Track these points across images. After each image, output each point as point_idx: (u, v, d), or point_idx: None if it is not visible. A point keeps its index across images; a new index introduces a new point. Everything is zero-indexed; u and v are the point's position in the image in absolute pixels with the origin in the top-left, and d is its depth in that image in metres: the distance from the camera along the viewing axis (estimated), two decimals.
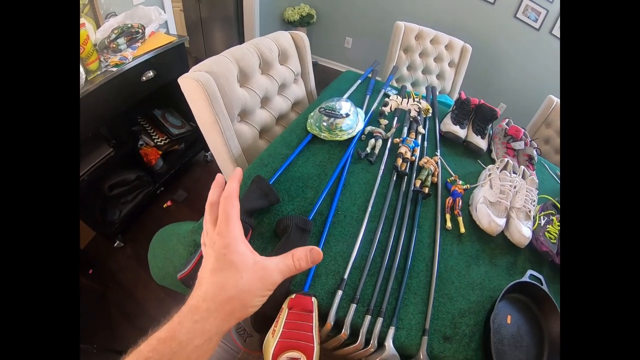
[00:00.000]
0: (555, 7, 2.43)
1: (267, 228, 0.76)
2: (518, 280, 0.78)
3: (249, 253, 0.36)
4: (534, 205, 0.97)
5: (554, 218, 0.99)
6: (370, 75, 1.45)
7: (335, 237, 0.77)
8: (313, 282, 0.69)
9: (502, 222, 0.88)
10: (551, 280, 0.89)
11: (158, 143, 1.89)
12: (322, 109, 1.05)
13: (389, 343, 0.63)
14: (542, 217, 1.01)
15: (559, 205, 1.03)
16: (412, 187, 0.94)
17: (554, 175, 1.37)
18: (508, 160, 1.03)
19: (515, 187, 0.96)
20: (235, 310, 0.33)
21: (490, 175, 0.98)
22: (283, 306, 0.58)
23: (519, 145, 1.15)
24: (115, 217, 1.70)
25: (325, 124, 1.03)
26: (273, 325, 0.55)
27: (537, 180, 1.11)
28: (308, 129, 1.06)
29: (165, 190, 2.01)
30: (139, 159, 1.85)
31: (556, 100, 1.81)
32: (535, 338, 0.76)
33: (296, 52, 1.32)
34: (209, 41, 3.18)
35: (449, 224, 0.88)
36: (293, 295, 0.59)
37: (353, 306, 0.65)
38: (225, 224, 0.36)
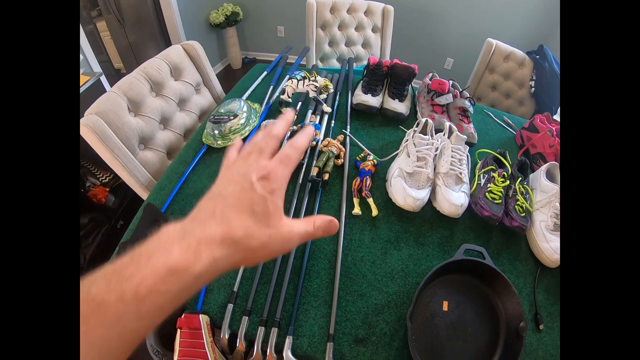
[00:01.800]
0: None
1: None
2: (449, 260, 0.67)
3: (282, 209, 0.31)
4: (465, 166, 0.85)
5: (495, 174, 0.87)
6: (279, 63, 1.35)
7: None
8: (206, 297, 0.65)
9: (422, 194, 0.75)
10: (502, 248, 0.78)
11: (103, 181, 1.87)
12: (211, 117, 0.99)
13: (286, 354, 0.58)
14: (481, 176, 0.90)
15: (503, 159, 0.91)
16: (309, 177, 0.82)
17: (502, 123, 1.26)
18: (426, 120, 0.90)
19: (437, 149, 0.84)
20: (247, 260, 0.29)
21: (407, 141, 0.87)
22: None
23: (444, 99, 1.03)
24: (82, 263, 1.69)
25: (216, 131, 0.96)
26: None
27: (470, 134, 1.00)
28: (203, 140, 0.99)
29: (125, 222, 1.94)
30: (89, 201, 1.82)
31: (495, 42, 1.70)
32: (487, 321, 0.66)
33: (191, 63, 1.27)
34: (142, 61, 3.08)
35: (356, 209, 0.76)
36: (182, 315, 0.60)
37: (245, 318, 0.61)
38: (283, 167, 0.30)
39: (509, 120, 1.27)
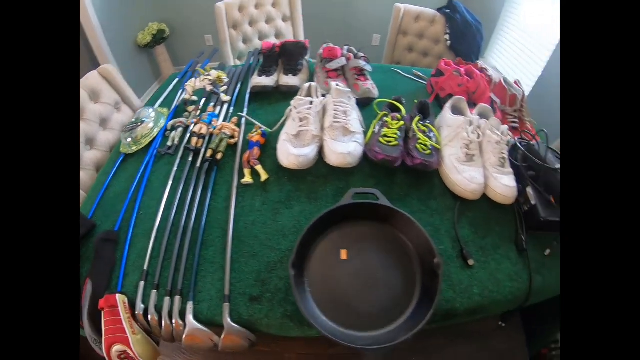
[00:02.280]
0: None
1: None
2: (336, 206, 0.68)
3: None
4: (355, 118, 0.89)
5: (388, 119, 0.90)
6: (190, 68, 1.39)
7: (138, 236, 0.75)
8: (124, 281, 0.69)
9: (305, 151, 0.79)
10: (411, 189, 0.82)
11: None
12: (124, 127, 1.04)
13: (188, 319, 0.61)
14: (376, 125, 0.93)
15: (396, 103, 0.95)
16: (201, 159, 0.86)
17: (410, 77, 1.31)
18: (310, 85, 0.94)
19: (320, 107, 0.87)
20: None
21: (290, 109, 0.90)
22: None
23: (335, 64, 1.07)
24: None
25: (129, 139, 1.00)
26: None
27: (367, 90, 1.04)
28: (120, 150, 1.03)
29: None
30: None
31: (402, 6, 1.76)
32: (397, 263, 0.66)
33: (108, 85, 1.32)
34: None
35: (247, 178, 0.80)
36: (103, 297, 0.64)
37: (153, 292, 0.65)
38: None
39: (419, 73, 1.32)
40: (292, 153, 0.77)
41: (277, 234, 0.71)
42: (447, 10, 1.79)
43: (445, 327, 0.73)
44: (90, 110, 1.22)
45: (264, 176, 0.80)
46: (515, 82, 1.23)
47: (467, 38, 1.75)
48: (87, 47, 2.64)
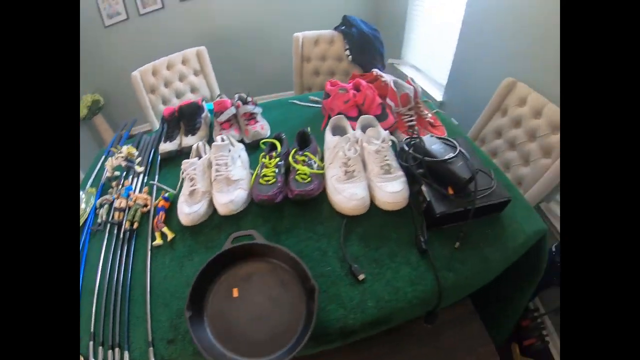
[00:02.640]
0: None
1: None
2: (218, 253, 0.75)
3: None
4: (232, 168, 0.96)
5: (265, 159, 0.97)
6: (114, 143, 1.47)
7: (84, 303, 0.82)
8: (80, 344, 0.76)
9: (195, 208, 0.88)
10: (298, 219, 0.90)
11: None
12: None
13: None
14: (259, 167, 1.00)
15: (274, 140, 1.03)
16: (122, 231, 0.95)
17: (306, 104, 1.41)
18: (197, 145, 1.05)
19: (200, 167, 0.97)
20: None
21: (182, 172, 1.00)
22: None
23: (225, 115, 1.17)
24: None
25: None
26: None
27: (255, 132, 1.14)
28: None
29: None
30: None
31: (300, 35, 1.90)
32: (284, 290, 0.74)
33: None
34: None
35: (157, 240, 0.89)
36: None
37: (100, 348, 0.74)
38: None
39: (315, 98, 1.44)
40: (184, 212, 0.87)
41: (183, 284, 0.80)
42: (343, 27, 1.94)
43: (386, 334, 0.80)
44: None
45: (170, 235, 0.89)
46: (407, 81, 1.34)
47: (366, 49, 1.89)
48: None
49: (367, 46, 1.91)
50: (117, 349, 0.74)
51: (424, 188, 0.88)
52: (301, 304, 0.71)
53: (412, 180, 0.93)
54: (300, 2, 2.75)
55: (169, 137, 1.19)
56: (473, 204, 0.84)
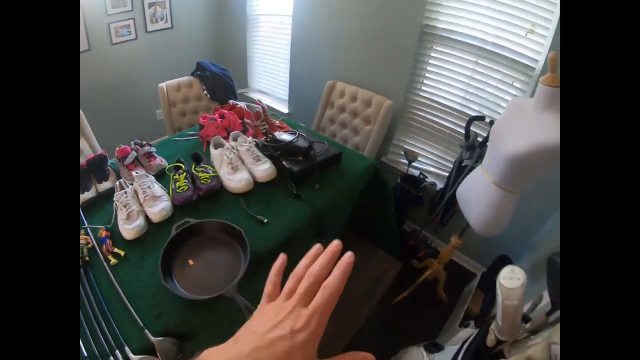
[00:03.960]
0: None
1: None
2: (167, 242, 1.13)
3: (316, 356, 0.34)
4: (153, 188, 1.34)
5: (176, 176, 1.38)
6: None
7: None
8: None
9: (135, 223, 1.21)
10: (213, 210, 1.29)
11: None
12: None
13: (131, 357, 0.88)
14: (171, 183, 1.42)
15: (178, 163, 1.46)
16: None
17: (186, 138, 1.84)
18: (119, 181, 1.40)
19: (130, 193, 1.34)
20: None
21: (115, 204, 1.34)
22: None
23: (129, 159, 1.53)
24: None
25: None
26: None
27: (156, 165, 1.52)
28: None
29: None
30: None
31: (163, 84, 2.31)
32: (224, 247, 1.12)
33: None
34: None
35: (113, 261, 1.15)
36: None
37: None
38: (322, 316, 0.34)
39: (191, 132, 1.87)
40: (127, 229, 1.20)
41: (148, 279, 1.08)
42: (198, 72, 2.40)
43: None
44: None
45: (122, 253, 1.20)
46: (257, 102, 1.88)
47: (220, 86, 2.39)
48: None
49: (220, 83, 2.39)
50: (116, 352, 0.87)
51: (284, 162, 1.41)
52: (237, 248, 1.12)
53: (275, 161, 1.46)
54: (159, 56, 3.05)
55: (85, 189, 1.47)
56: (315, 160, 1.40)
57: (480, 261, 2.43)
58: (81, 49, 2.42)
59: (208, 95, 2.36)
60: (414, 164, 2.27)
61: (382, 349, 1.63)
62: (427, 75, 2.18)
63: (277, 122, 1.87)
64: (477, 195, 1.57)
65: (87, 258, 1.22)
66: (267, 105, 1.90)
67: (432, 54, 2.11)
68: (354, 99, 2.22)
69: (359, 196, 1.61)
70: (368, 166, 1.60)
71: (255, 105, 1.87)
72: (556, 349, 0.72)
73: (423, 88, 2.22)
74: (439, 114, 2.21)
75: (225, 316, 1.05)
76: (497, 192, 1.44)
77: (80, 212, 1.36)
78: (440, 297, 2.31)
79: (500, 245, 2.08)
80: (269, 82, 3.17)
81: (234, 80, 2.50)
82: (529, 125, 1.29)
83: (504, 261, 1.95)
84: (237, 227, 1.12)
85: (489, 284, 2.02)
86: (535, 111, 1.28)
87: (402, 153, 2.27)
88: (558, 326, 0.77)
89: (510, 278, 0.92)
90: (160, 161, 1.55)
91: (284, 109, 2.97)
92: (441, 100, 2.18)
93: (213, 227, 1.18)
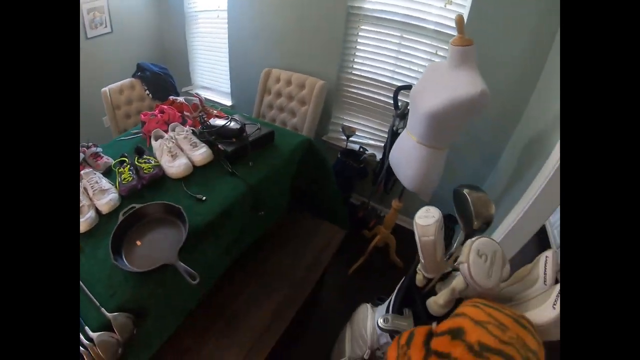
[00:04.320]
0: None
1: None
2: (114, 228, 1.31)
3: None
4: (101, 183, 1.51)
5: (120, 169, 1.55)
6: None
7: None
8: None
9: (86, 216, 1.39)
10: (159, 195, 1.44)
11: None
12: None
13: (91, 335, 1.10)
14: (118, 177, 1.57)
15: (122, 158, 1.60)
16: None
17: (129, 137, 1.97)
18: None
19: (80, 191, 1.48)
20: None
21: None
22: None
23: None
24: None
25: None
26: None
27: (103, 163, 1.67)
28: None
29: None
30: None
31: (107, 89, 2.40)
32: (166, 223, 1.28)
33: None
34: None
35: None
36: None
37: None
38: None
39: (135, 130, 1.99)
40: (80, 222, 1.35)
41: (101, 264, 1.18)
42: (139, 73, 2.50)
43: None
44: None
45: None
46: (195, 95, 2.02)
47: (161, 84, 2.49)
48: None
49: (161, 82, 2.49)
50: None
51: (219, 145, 1.57)
52: (179, 224, 1.27)
53: (211, 145, 1.61)
54: (101, 61, 3.06)
55: None
56: (247, 140, 1.57)
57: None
58: None
59: (150, 94, 2.46)
60: (352, 138, 2.46)
61: (341, 314, 1.80)
62: (357, 54, 2.37)
63: (215, 112, 2.01)
64: (407, 157, 1.76)
65: None
66: (208, 99, 2.04)
67: (359, 34, 2.30)
68: (288, 84, 2.38)
69: (297, 172, 1.79)
70: (301, 142, 1.78)
71: (193, 98, 2.01)
72: (464, 267, 0.84)
73: (354, 66, 2.41)
74: (371, 89, 2.40)
75: (173, 288, 1.21)
76: (422, 150, 1.61)
77: None
78: (395, 262, 2.48)
79: (445, 205, 2.33)
80: (212, 78, 3.28)
81: (174, 78, 2.61)
82: (443, 84, 1.44)
83: (450, 220, 2.05)
84: (176, 205, 1.28)
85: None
86: (450, 70, 1.45)
87: (340, 130, 2.46)
88: (462, 247, 0.90)
89: (426, 217, 1.07)
90: (106, 160, 1.67)
91: (227, 101, 3.10)
92: (372, 76, 2.38)
93: (156, 210, 1.34)
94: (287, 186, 1.77)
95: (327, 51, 2.39)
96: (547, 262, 0.85)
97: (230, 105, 3.08)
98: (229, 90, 3.05)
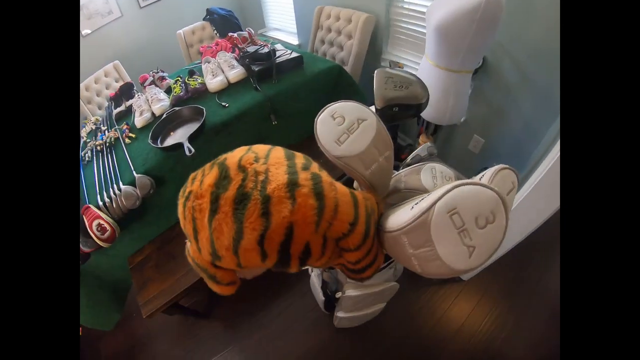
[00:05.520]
0: None
1: None
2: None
3: None
4: (159, 95, 1.94)
5: (174, 86, 1.96)
6: None
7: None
8: (88, 199, 1.58)
9: (145, 115, 1.82)
10: (197, 104, 1.85)
11: None
12: None
13: (122, 187, 1.55)
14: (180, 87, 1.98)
15: (179, 77, 2.01)
16: (105, 147, 1.87)
17: (192, 65, 2.38)
18: (138, 95, 1.98)
19: (143, 99, 1.91)
20: None
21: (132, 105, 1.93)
22: None
23: (148, 81, 2.11)
24: None
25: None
26: None
27: (165, 85, 2.09)
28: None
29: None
30: None
31: (182, 31, 2.86)
32: None
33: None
34: None
35: (129, 140, 1.80)
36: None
37: (104, 194, 1.56)
38: None
39: (199, 61, 2.39)
40: (138, 120, 1.79)
41: (145, 146, 1.68)
42: (208, 17, 2.91)
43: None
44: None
45: (134, 135, 1.79)
46: (247, 30, 2.34)
47: (227, 25, 2.87)
48: None
49: (227, 23, 2.87)
50: (114, 185, 1.53)
51: (252, 66, 1.86)
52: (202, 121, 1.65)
53: (248, 68, 1.90)
54: (173, 8, 3.49)
55: (117, 105, 2.10)
56: (274, 61, 1.82)
57: (466, 171, 2.44)
58: (114, 16, 3.05)
59: (217, 34, 2.86)
60: None
61: None
62: None
63: (262, 42, 2.29)
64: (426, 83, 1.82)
65: (113, 143, 1.83)
66: (278, 39, 2.34)
67: None
68: (337, 19, 2.53)
69: (331, 98, 1.98)
70: (330, 67, 1.96)
71: (245, 32, 2.32)
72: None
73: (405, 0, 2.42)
74: (422, 23, 2.41)
75: (187, 166, 1.55)
76: (439, 72, 1.58)
77: (113, 118, 1.99)
78: None
79: (498, 160, 2.16)
80: (281, 20, 3.56)
81: (239, 19, 2.96)
82: None
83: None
84: (200, 106, 1.62)
85: None
86: None
87: (387, 65, 2.53)
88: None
89: None
90: (168, 81, 2.10)
91: (295, 40, 3.35)
92: (423, 10, 2.37)
93: (189, 111, 1.72)
94: (314, 106, 1.99)
95: None
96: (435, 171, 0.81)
97: (297, 44, 3.32)
98: (295, 30, 3.29)
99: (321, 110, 0.73)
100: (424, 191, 0.72)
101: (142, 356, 1.91)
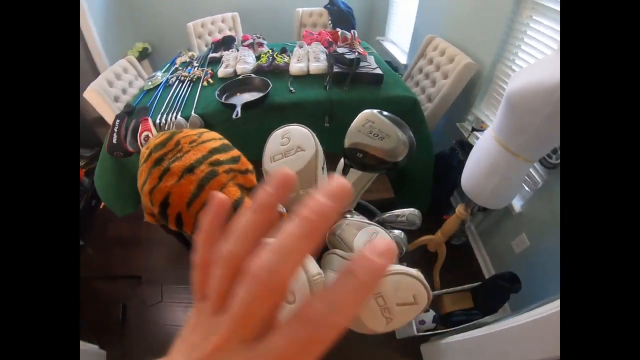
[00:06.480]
0: None
1: None
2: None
3: None
4: (247, 57, 2.16)
5: (261, 56, 2.17)
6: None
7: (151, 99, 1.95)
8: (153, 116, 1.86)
9: (229, 69, 2.05)
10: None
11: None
12: (146, 80, 2.28)
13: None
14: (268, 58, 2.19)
15: (269, 50, 2.21)
16: (187, 81, 2.13)
17: (295, 44, 2.58)
18: (232, 51, 2.23)
19: (232, 56, 2.15)
20: None
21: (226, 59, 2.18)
22: None
23: (247, 42, 2.35)
24: None
25: (150, 83, 2.26)
26: None
27: (259, 52, 2.32)
28: (144, 88, 2.28)
29: (98, 200, 2.66)
30: None
31: (301, 10, 3.08)
32: None
33: (133, 68, 2.61)
34: None
35: (207, 84, 2.05)
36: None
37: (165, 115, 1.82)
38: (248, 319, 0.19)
39: (299, 42, 2.59)
40: (221, 71, 2.03)
41: (213, 93, 1.93)
42: (328, 6, 3.11)
43: None
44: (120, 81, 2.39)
45: (211, 81, 2.03)
46: (350, 32, 2.48)
47: (342, 20, 3.03)
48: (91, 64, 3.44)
49: (343, 17, 3.03)
50: (173, 114, 1.84)
51: (334, 67, 2.00)
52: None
53: (330, 67, 2.05)
54: None
55: (216, 51, 2.38)
56: (354, 70, 1.95)
57: (497, 266, 2.25)
58: None
59: (331, 24, 3.04)
60: (476, 133, 2.42)
61: None
62: (521, 46, 2.20)
63: (360, 48, 2.41)
64: (476, 150, 1.60)
65: (194, 80, 2.08)
66: (390, 52, 2.48)
67: (529, 23, 1.98)
68: (442, 53, 2.56)
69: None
70: (405, 97, 2.02)
71: (347, 33, 2.45)
72: None
73: (515, 60, 2.28)
74: None
75: (235, 126, 1.76)
76: (495, 146, 1.40)
77: (207, 60, 2.27)
78: (434, 281, 2.17)
79: (535, 267, 1.86)
80: (399, 35, 3.63)
81: (355, 19, 3.12)
82: (537, 65, 1.23)
83: (512, 280, 1.68)
84: (269, 82, 1.81)
85: (485, 292, 1.84)
86: (557, 52, 1.20)
87: (471, 119, 2.48)
88: None
89: None
90: (264, 49, 2.33)
91: (403, 59, 3.39)
92: None
93: (259, 82, 1.93)
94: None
95: (487, 32, 2.27)
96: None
97: (404, 64, 3.35)
98: (407, 49, 3.35)
99: (284, 125, 0.74)
100: (349, 249, 0.73)
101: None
